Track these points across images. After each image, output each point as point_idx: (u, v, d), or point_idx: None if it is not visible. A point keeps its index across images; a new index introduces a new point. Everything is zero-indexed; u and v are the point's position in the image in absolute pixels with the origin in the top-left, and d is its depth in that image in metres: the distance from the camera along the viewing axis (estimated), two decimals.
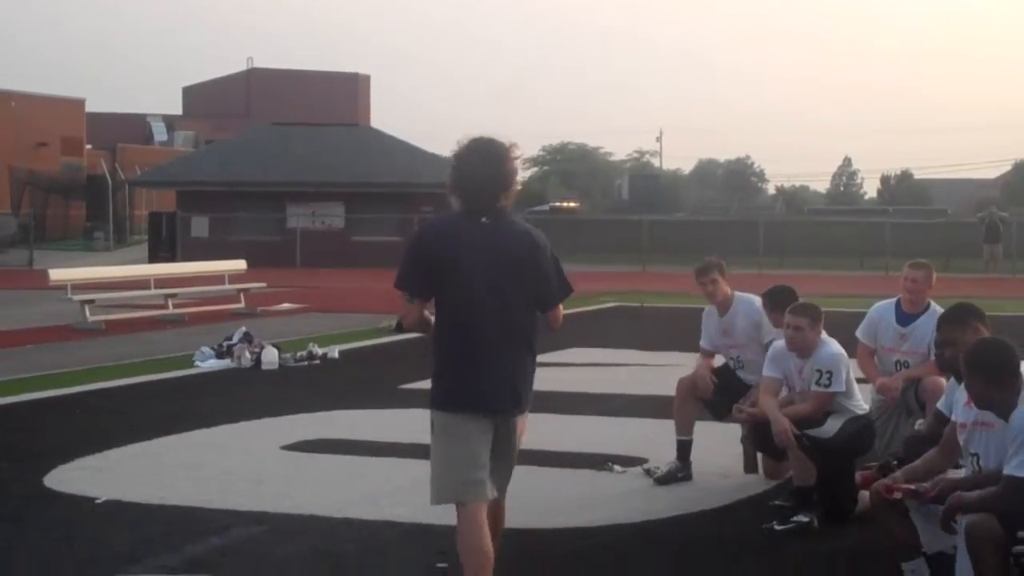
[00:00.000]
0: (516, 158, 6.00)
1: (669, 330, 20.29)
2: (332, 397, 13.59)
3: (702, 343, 9.88)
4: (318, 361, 16.62)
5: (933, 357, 8.17)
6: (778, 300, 9.00)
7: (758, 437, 8.64)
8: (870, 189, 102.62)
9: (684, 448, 9.35)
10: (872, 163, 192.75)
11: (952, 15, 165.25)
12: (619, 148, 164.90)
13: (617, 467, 9.63)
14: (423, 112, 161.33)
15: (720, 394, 9.49)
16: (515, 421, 6.04)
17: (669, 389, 9.82)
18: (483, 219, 5.90)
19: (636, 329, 22.21)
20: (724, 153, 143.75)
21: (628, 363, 17.02)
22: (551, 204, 73.73)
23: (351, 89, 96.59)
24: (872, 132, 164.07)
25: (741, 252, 46.05)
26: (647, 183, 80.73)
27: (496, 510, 6.16)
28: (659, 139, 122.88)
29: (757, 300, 9.46)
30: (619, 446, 10.50)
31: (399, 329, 20.64)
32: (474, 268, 5.82)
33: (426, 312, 6.02)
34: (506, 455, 6.04)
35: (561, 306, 6.20)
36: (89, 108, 76.06)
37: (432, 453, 5.99)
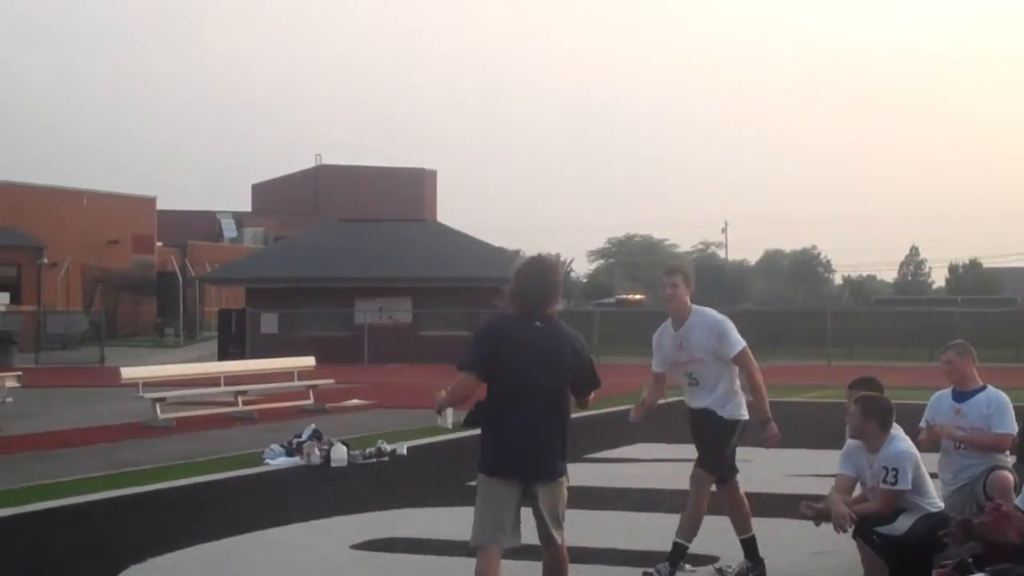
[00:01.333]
0: (560, 274, 7.50)
1: None
2: (401, 495, 13.63)
3: (653, 367, 9.58)
4: (387, 458, 16.69)
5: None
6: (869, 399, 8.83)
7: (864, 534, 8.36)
8: (938, 278, 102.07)
9: (749, 545, 9.30)
10: (940, 252, 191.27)
11: (1017, 103, 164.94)
12: (684, 239, 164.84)
13: (688, 566, 9.57)
14: (489, 206, 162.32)
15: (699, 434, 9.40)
16: (551, 485, 7.26)
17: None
18: (536, 322, 7.28)
19: None
20: (790, 243, 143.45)
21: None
22: (617, 297, 73.83)
23: (417, 184, 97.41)
24: (939, 220, 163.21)
25: (809, 343, 45.79)
26: (713, 274, 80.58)
27: (556, 561, 7.41)
28: (724, 230, 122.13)
29: (718, 315, 9.20)
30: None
31: (468, 424, 20.69)
32: (525, 360, 7.16)
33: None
34: (549, 512, 7.25)
35: (592, 395, 7.57)
36: (160, 205, 77.21)
37: (475, 505, 7.30)
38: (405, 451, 17.17)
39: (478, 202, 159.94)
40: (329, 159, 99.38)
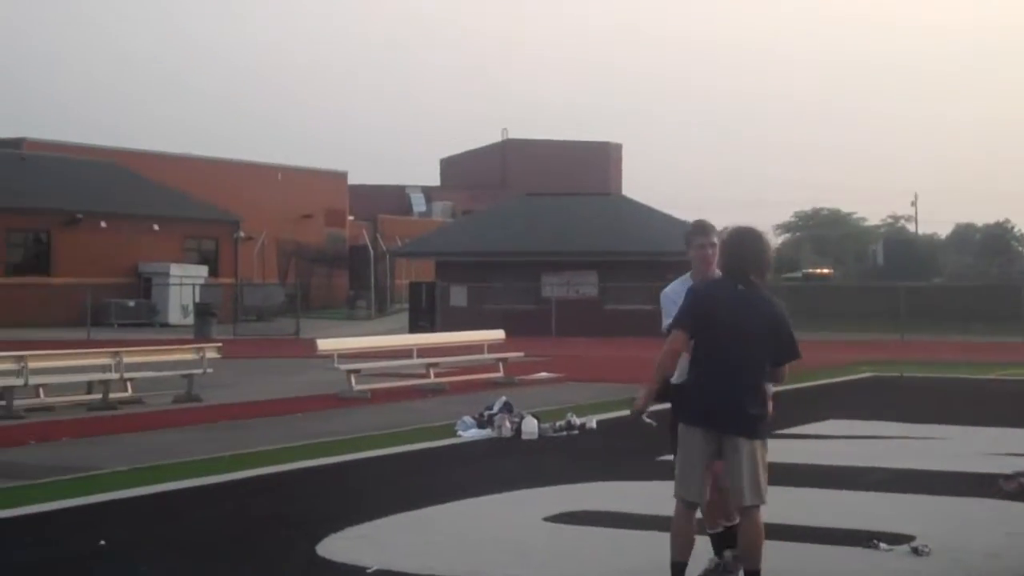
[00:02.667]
0: (764, 244, 7.87)
1: (930, 401, 19.84)
2: (592, 468, 13.71)
3: (673, 324, 7.96)
4: (576, 431, 16.79)
5: None
6: None
7: None
8: None
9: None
10: None
11: None
12: (873, 213, 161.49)
13: (883, 545, 9.45)
14: (675, 180, 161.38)
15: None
16: (740, 441, 7.56)
17: (932, 463, 9.61)
18: (739, 286, 7.69)
19: (894, 400, 21.75)
20: (982, 217, 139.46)
21: (887, 436, 16.69)
22: (804, 271, 72.78)
23: (603, 158, 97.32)
24: None
25: (1003, 319, 44.60)
26: (902, 248, 79.13)
27: (749, 524, 7.65)
28: (914, 203, 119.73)
29: None
30: (883, 522, 10.29)
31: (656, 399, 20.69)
32: (726, 320, 7.56)
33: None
34: (735, 470, 7.59)
35: (786, 367, 7.87)
36: (351, 180, 78.60)
37: (676, 455, 7.81)
38: (595, 424, 17.25)
39: (664, 176, 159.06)
40: (516, 133, 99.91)
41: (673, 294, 8.58)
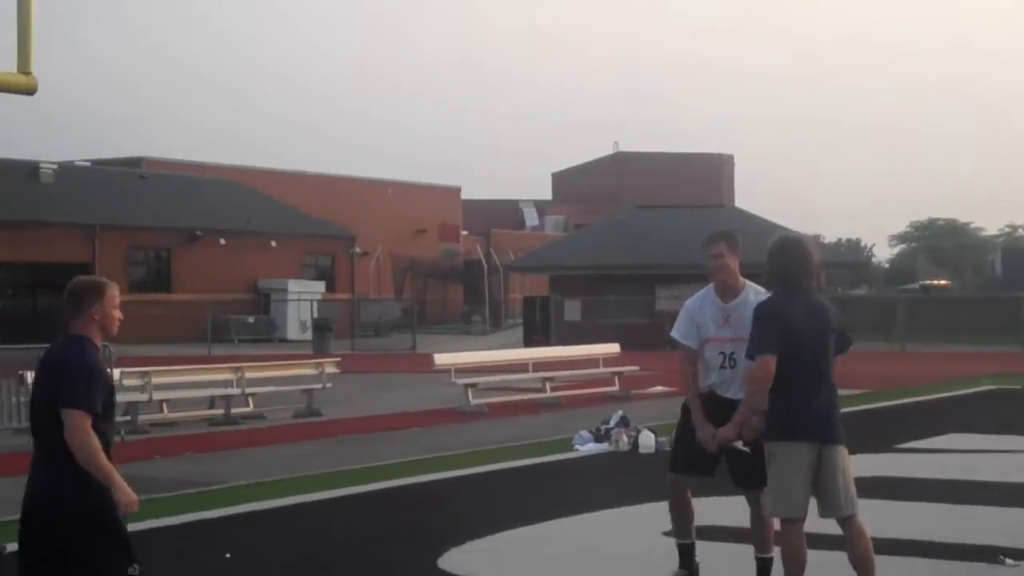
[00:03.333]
0: (808, 249, 7.83)
1: None
2: (710, 482, 13.56)
3: (682, 336, 8.52)
4: None
5: None
6: None
7: None
8: None
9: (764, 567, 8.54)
10: None
11: None
12: (990, 222, 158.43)
13: (1009, 560, 9.34)
14: (788, 191, 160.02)
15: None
16: (837, 449, 7.51)
17: None
18: (799, 296, 7.64)
19: (1016, 413, 21.37)
20: None
21: (1009, 449, 16.43)
22: (921, 283, 71.80)
23: (715, 169, 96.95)
24: None
25: None
26: (1022, 258, 77.54)
27: (856, 534, 7.54)
28: None
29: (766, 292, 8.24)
30: (1008, 538, 10.15)
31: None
32: (803, 331, 7.50)
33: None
34: (832, 479, 7.49)
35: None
36: (464, 195, 79.09)
37: (768, 474, 7.59)
38: None
39: (777, 187, 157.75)
40: (627, 147, 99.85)
41: (692, 306, 8.65)
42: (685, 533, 8.83)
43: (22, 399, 18.38)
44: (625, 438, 16.57)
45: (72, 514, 6.00)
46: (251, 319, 53.79)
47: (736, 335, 8.18)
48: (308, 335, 49.55)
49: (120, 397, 19.08)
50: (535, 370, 25.19)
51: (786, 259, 7.80)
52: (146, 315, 50.42)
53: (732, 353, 8.27)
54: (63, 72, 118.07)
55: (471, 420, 20.91)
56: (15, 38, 15.41)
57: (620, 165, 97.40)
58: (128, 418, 19.57)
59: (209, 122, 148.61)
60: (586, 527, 11.29)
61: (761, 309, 7.72)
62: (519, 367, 25.66)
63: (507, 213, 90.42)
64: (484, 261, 64.94)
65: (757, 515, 8.48)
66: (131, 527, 11.11)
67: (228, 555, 9.95)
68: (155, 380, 20.31)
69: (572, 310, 48.40)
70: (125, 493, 6.04)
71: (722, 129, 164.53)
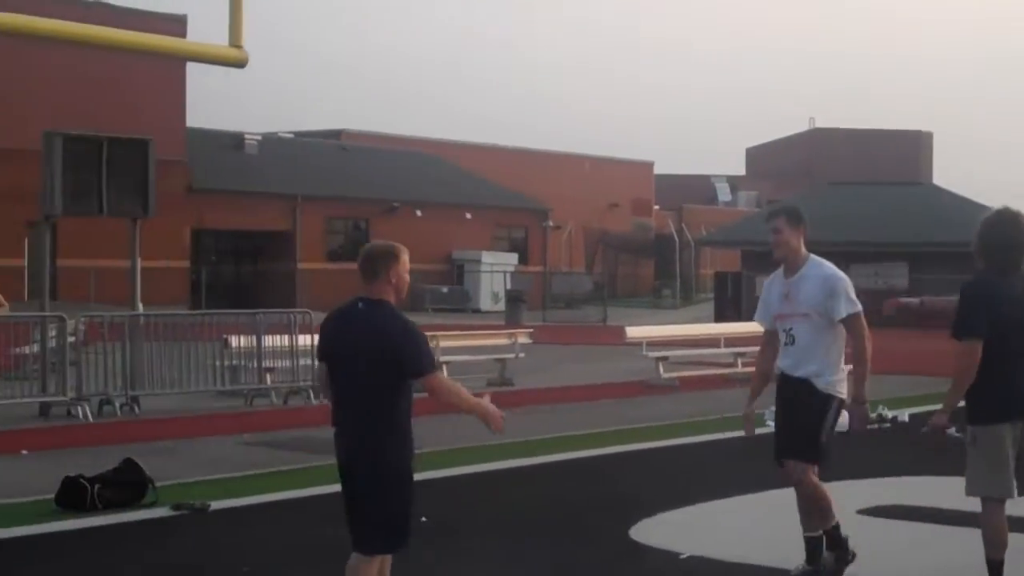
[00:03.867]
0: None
1: None
2: (905, 462, 13.53)
3: (757, 317, 8.61)
4: (888, 424, 16.56)
5: None
6: None
7: None
8: None
9: (831, 536, 8.46)
10: None
11: None
12: None
13: None
14: (988, 169, 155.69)
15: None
16: None
17: None
18: (1008, 277, 7.37)
19: None
20: None
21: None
22: None
23: (912, 147, 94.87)
24: None
25: None
26: None
27: None
28: None
29: (838, 271, 8.28)
30: None
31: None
32: (1009, 314, 7.28)
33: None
34: None
35: None
36: (657, 170, 78.87)
37: (969, 456, 7.48)
38: (907, 418, 16.98)
39: (978, 164, 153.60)
40: (823, 123, 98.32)
41: (766, 286, 8.57)
42: (812, 525, 8.49)
43: (226, 363, 19.01)
44: None
45: (396, 470, 6.48)
46: (445, 289, 54.56)
47: (793, 310, 8.08)
48: (500, 306, 50.04)
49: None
50: (726, 345, 25.10)
51: (997, 235, 7.46)
52: (344, 283, 51.51)
53: (791, 329, 8.11)
54: (268, 46, 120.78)
55: (662, 393, 20.96)
56: (227, 13, 16.02)
57: (816, 141, 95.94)
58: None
59: (408, 96, 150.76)
60: (778, 502, 11.21)
61: (966, 289, 7.49)
62: (711, 342, 25.59)
63: (700, 188, 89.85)
64: (676, 236, 64.72)
65: (802, 494, 8.35)
66: (327, 488, 11.54)
67: (424, 519, 10.20)
68: None
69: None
70: (491, 411, 6.61)
71: (923, 107, 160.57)
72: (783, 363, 8.28)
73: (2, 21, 19.41)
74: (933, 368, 24.44)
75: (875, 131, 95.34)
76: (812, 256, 8.34)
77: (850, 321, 8.07)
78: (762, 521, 10.38)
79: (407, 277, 6.63)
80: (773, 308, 8.30)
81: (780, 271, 8.39)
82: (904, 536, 9.94)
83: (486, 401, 6.61)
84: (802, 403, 8.22)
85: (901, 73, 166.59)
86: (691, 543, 9.47)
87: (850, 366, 8.18)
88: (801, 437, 8.28)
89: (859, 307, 8.16)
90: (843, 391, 8.26)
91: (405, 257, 6.64)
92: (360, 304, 6.58)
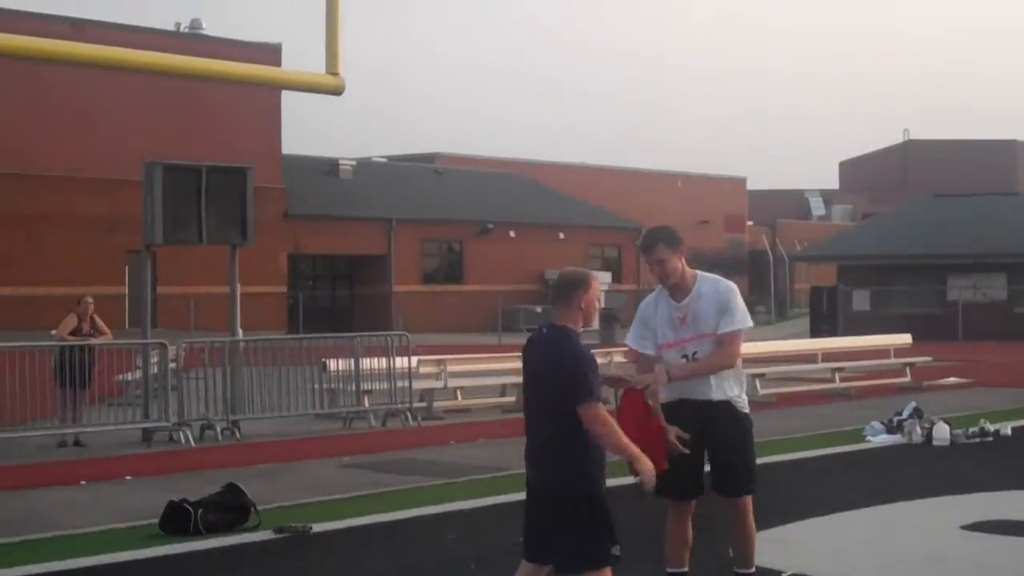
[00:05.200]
0: None
1: None
2: (1009, 476, 13.34)
3: (635, 343, 7.74)
4: (990, 438, 16.34)
5: None
6: None
7: None
8: None
9: None
10: None
11: None
12: None
13: None
14: None
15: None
16: None
17: None
18: None
19: None
20: None
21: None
22: None
23: (1009, 157, 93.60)
24: None
25: None
26: None
27: None
28: None
29: (727, 281, 7.83)
30: None
31: None
32: None
33: None
34: None
35: None
36: (750, 186, 78.56)
37: None
38: (1009, 431, 16.74)
39: None
40: (917, 134, 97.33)
41: (645, 310, 7.91)
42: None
43: (324, 386, 19.19)
44: (919, 430, 16.28)
45: (574, 497, 6.53)
46: (539, 309, 54.53)
47: (696, 333, 7.58)
48: (595, 325, 49.94)
49: (416, 384, 19.81)
50: (823, 360, 24.89)
51: None
52: (439, 305, 51.90)
53: (695, 353, 7.59)
54: (362, 72, 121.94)
55: (759, 409, 20.56)
56: (324, 41, 16.13)
57: (910, 153, 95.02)
58: (424, 404, 20.19)
59: (501, 119, 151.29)
60: (880, 519, 11.18)
61: None
62: (807, 357, 25.41)
63: (793, 203, 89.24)
64: (769, 251, 64.33)
65: (742, 526, 7.86)
66: (432, 509, 11.62)
67: (522, 539, 10.21)
68: (450, 368, 20.91)
69: (861, 300, 47.56)
70: (645, 464, 6.55)
71: (1017, 117, 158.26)
72: (688, 389, 7.59)
73: (101, 55, 19.82)
74: None
75: (969, 141, 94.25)
76: (699, 272, 7.86)
77: (730, 337, 7.62)
78: (865, 538, 10.28)
79: (596, 304, 6.72)
80: (663, 335, 7.64)
81: (660, 294, 7.81)
82: (1013, 551, 9.79)
83: (639, 454, 6.55)
84: (729, 428, 7.71)
85: (994, 83, 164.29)
86: (794, 560, 9.35)
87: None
88: (738, 466, 7.74)
89: (748, 324, 7.74)
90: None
91: (595, 284, 6.73)
92: (544, 330, 6.75)
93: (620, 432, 6.50)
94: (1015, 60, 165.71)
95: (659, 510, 7.87)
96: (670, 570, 7.86)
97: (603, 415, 6.44)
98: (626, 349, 8.06)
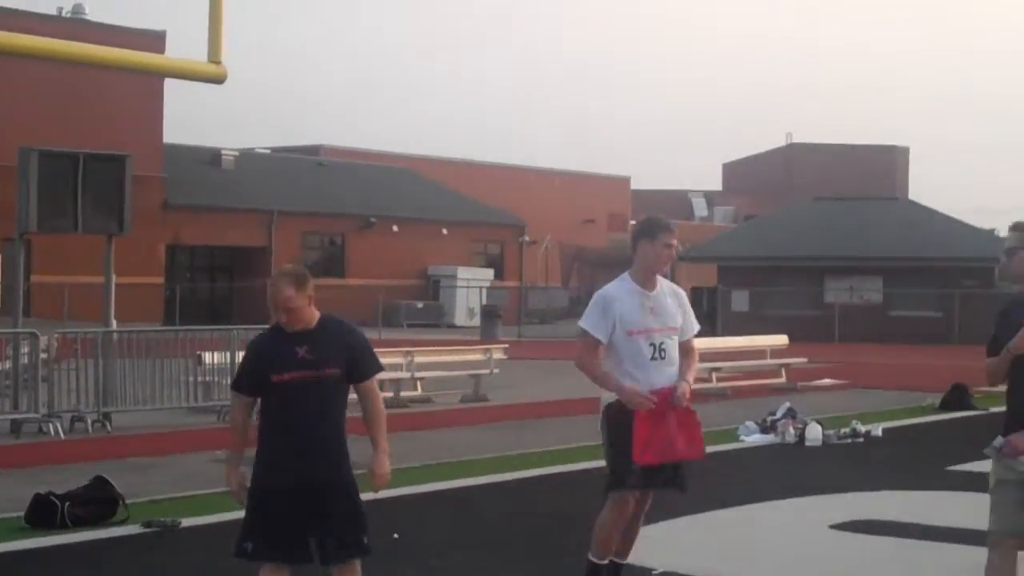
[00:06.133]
0: None
1: None
2: (879, 477, 13.56)
3: (593, 327, 7.77)
4: (862, 439, 16.61)
5: None
6: None
7: None
8: None
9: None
10: None
11: None
12: None
13: None
14: (964, 185, 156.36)
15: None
16: None
17: None
18: None
19: None
20: None
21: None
22: None
23: (889, 162, 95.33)
24: None
25: None
26: None
27: None
28: None
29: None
30: None
31: (943, 408, 20.30)
32: None
33: None
34: None
35: None
36: (633, 186, 79.08)
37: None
38: (880, 432, 17.03)
39: (956, 180, 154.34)
40: (800, 138, 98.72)
41: (607, 296, 7.95)
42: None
43: (199, 379, 18.93)
44: (792, 430, 16.50)
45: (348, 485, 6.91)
46: (420, 304, 54.55)
47: (664, 324, 7.78)
48: (476, 321, 50.00)
49: None
50: (701, 360, 25.01)
51: None
52: (320, 298, 51.21)
53: (661, 343, 7.76)
54: (245, 62, 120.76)
55: None
56: (206, 29, 15.97)
57: (793, 157, 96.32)
58: None
59: (386, 112, 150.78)
60: (752, 518, 11.29)
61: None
62: None
63: (676, 203, 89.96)
64: None
65: (637, 519, 8.23)
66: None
67: (396, 535, 10.16)
68: None
69: (740, 300, 48.15)
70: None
71: (898, 123, 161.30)
72: (656, 379, 7.80)
73: None
74: (907, 382, 24.55)
75: (851, 146, 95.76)
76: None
77: (692, 344, 8.05)
78: (736, 536, 10.39)
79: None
80: (630, 322, 7.72)
81: (627, 283, 7.88)
82: (881, 551, 9.93)
83: None
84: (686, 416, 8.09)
85: (878, 89, 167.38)
86: (665, 558, 9.43)
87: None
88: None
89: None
90: None
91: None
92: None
93: None
94: (898, 71, 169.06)
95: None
96: (600, 560, 8.06)
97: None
98: (579, 334, 7.93)
